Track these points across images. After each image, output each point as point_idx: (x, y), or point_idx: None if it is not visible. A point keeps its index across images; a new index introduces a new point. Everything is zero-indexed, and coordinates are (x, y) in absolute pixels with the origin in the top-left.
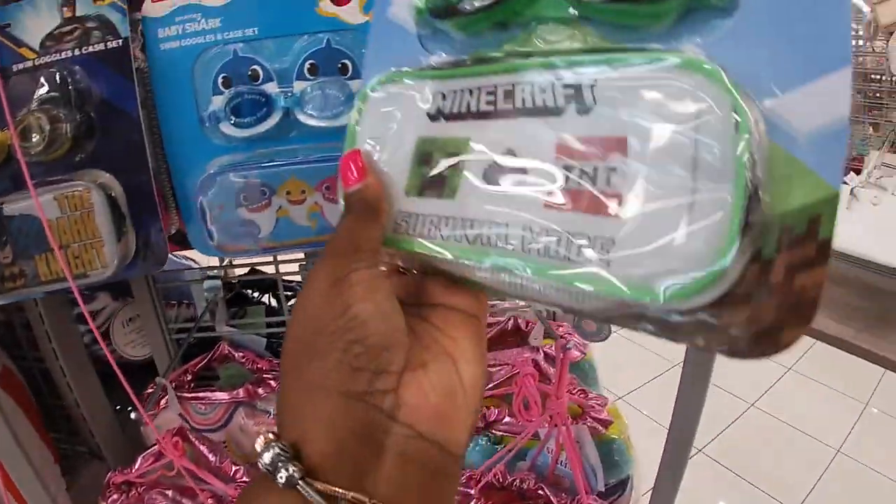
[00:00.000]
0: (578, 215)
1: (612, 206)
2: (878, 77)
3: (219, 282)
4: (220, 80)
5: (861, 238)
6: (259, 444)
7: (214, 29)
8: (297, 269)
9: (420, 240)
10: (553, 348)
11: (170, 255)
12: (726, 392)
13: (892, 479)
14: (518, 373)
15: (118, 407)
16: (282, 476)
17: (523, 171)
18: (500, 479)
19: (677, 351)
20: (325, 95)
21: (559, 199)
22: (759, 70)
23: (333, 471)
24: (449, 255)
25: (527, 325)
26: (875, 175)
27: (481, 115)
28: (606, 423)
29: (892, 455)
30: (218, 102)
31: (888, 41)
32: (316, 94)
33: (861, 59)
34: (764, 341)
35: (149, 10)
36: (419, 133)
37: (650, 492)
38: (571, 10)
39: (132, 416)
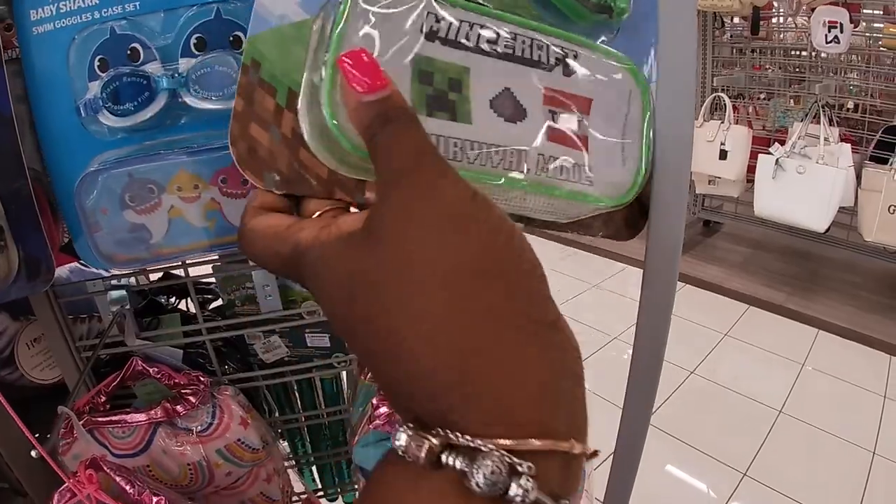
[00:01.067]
0: (567, 148)
1: (584, 144)
2: (798, 52)
3: (124, 291)
4: (96, 63)
5: (787, 206)
6: (463, 461)
7: (92, 6)
8: (210, 271)
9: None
10: None
11: (76, 264)
12: (666, 361)
13: (834, 434)
14: None
15: (37, 436)
16: (517, 495)
17: (524, 109)
18: None
19: (614, 325)
20: (215, 73)
21: (556, 134)
22: None
23: (553, 428)
24: (467, 175)
25: None
26: (800, 145)
27: (480, 51)
28: None
29: (831, 411)
30: (94, 89)
31: (810, 17)
32: (204, 72)
33: (783, 34)
34: (629, 228)
35: None
36: (415, 49)
37: (600, 465)
38: None
39: (32, 454)
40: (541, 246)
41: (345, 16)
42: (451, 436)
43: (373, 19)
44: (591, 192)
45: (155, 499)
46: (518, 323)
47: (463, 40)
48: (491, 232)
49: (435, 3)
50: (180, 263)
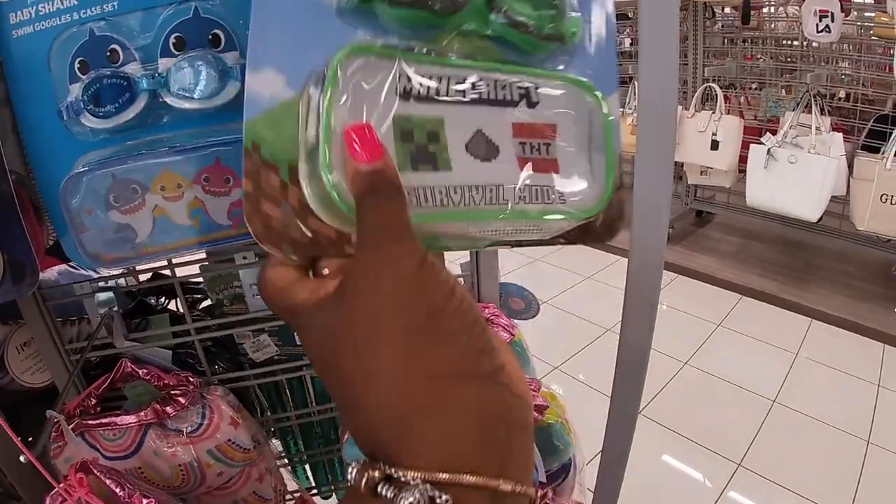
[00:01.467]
0: (539, 174)
1: (554, 167)
2: (790, 42)
3: (111, 293)
4: (76, 66)
5: (779, 195)
6: (392, 492)
7: (70, 7)
8: (198, 271)
9: (433, 210)
10: None
11: (65, 266)
12: (659, 352)
13: (828, 423)
14: None
15: (30, 439)
16: None
17: (496, 146)
18: None
19: (607, 317)
20: (195, 72)
21: (527, 165)
22: None
23: (480, 467)
24: (455, 216)
25: None
26: (791, 134)
27: (450, 101)
28: (542, 409)
29: (825, 400)
30: (76, 91)
31: (801, 7)
32: (184, 72)
33: (774, 24)
34: (608, 231)
35: None
36: (393, 111)
37: (595, 457)
38: (488, 28)
39: (21, 459)
40: None
41: (330, 88)
42: (389, 470)
43: (354, 88)
44: (565, 209)
45: (145, 501)
46: (454, 376)
47: (434, 95)
48: (434, 294)
49: (404, 65)
50: (167, 263)
